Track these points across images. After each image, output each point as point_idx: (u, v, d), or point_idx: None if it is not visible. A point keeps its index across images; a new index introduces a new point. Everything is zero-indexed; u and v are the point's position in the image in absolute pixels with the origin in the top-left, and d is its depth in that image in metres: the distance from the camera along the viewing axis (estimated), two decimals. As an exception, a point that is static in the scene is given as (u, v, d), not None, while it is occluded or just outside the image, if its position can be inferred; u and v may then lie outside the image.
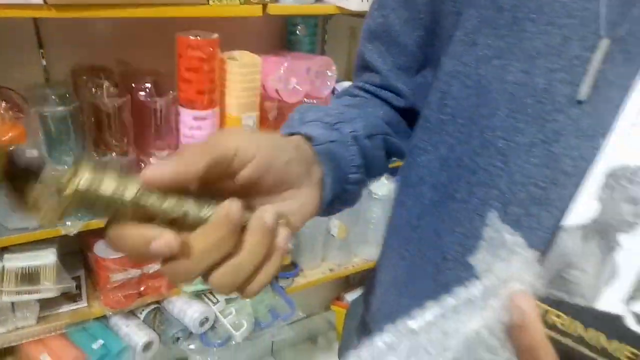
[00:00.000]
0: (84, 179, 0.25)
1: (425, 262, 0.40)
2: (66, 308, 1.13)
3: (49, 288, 1.03)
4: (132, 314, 1.23)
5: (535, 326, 0.24)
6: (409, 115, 0.48)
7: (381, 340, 0.25)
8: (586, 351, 0.24)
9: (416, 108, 0.46)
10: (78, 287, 1.15)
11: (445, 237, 0.29)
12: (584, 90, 0.31)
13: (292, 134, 0.37)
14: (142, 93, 1.05)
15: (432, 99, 0.41)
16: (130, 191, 0.26)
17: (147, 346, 1.20)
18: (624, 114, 0.24)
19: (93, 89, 0.97)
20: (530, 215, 0.33)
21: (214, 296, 1.30)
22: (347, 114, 0.42)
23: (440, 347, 0.24)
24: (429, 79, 0.44)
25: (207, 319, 1.25)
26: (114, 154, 0.98)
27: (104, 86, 0.97)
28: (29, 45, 1.01)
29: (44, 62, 1.03)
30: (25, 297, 1.02)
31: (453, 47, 0.39)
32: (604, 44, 0.30)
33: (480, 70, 0.36)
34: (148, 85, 1.05)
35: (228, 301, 1.30)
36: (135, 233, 0.27)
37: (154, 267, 1.15)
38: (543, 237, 0.31)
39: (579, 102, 0.32)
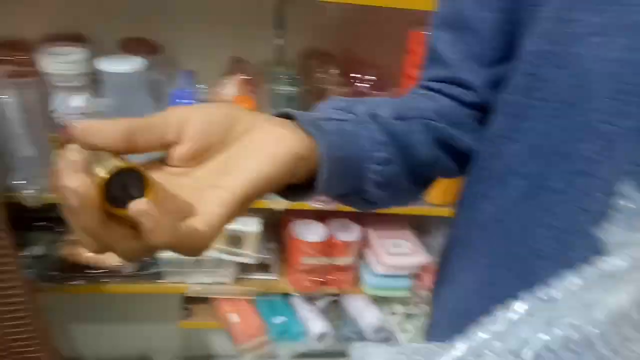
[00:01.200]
0: None
1: (512, 259, 0.37)
2: (258, 276, 1.18)
3: (249, 254, 1.09)
4: (312, 299, 1.24)
5: None
6: (480, 112, 0.44)
7: (515, 307, 0.24)
8: None
9: (488, 103, 0.42)
10: (271, 259, 1.20)
11: (537, 232, 0.29)
12: None
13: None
14: (364, 85, 1.01)
15: (517, 82, 0.38)
16: None
17: (321, 336, 1.18)
18: None
19: (320, 75, 0.96)
20: None
21: (392, 306, 1.22)
22: (371, 101, 0.41)
23: (583, 318, 0.23)
24: (507, 71, 0.40)
25: (382, 329, 1.17)
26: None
27: (332, 74, 0.95)
28: (271, 23, 1.05)
29: (280, 41, 1.07)
30: (229, 257, 1.10)
31: (540, 26, 0.35)
32: None
33: (575, 49, 0.33)
34: (371, 77, 1.01)
35: (408, 316, 1.20)
36: None
37: (343, 259, 1.12)
38: None
39: None
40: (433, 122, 0.42)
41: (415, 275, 1.16)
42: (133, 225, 0.25)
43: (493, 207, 0.39)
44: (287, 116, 0.34)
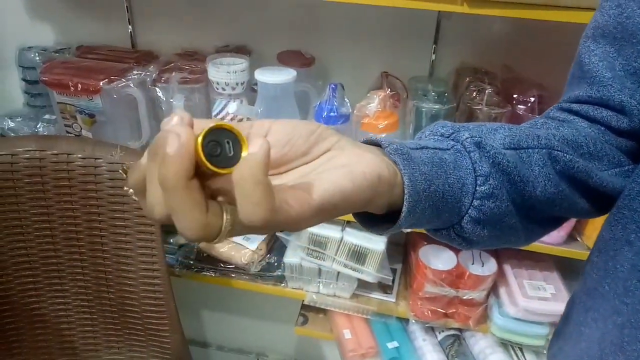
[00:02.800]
0: None
1: None
2: (376, 295, 1.15)
3: (369, 273, 1.06)
4: (431, 330, 1.17)
5: None
6: (633, 141, 0.37)
7: None
8: None
9: None
10: (392, 280, 1.16)
11: None
12: None
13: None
14: (522, 107, 0.92)
15: None
16: None
17: (435, 370, 1.11)
18: None
19: (474, 93, 0.90)
20: None
21: (523, 353, 1.10)
22: (481, 127, 0.36)
23: None
24: None
25: (508, 377, 1.06)
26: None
27: (486, 92, 0.88)
28: (425, 39, 1.02)
29: (433, 57, 1.03)
30: (349, 272, 1.08)
31: None
32: None
33: None
34: (532, 98, 0.92)
35: (539, 369, 1.07)
36: None
37: (472, 293, 1.04)
38: None
39: None
40: (557, 152, 0.35)
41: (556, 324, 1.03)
42: (214, 194, 0.24)
43: (636, 257, 0.33)
44: (377, 144, 0.32)
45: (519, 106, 0.91)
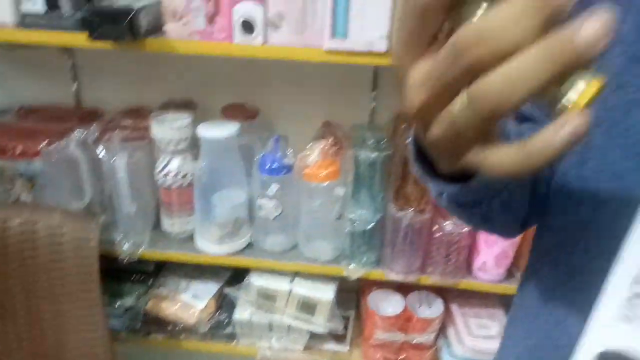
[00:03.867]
0: None
1: (547, 349, 0.34)
2: (330, 346, 1.14)
3: (320, 324, 1.06)
4: (386, 377, 1.16)
5: None
6: None
7: None
8: None
9: None
10: (345, 327, 1.15)
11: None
12: None
13: None
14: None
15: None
16: None
17: (393, 419, 1.09)
18: None
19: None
20: None
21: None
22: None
23: None
24: None
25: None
26: (411, 209, 0.94)
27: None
28: (365, 88, 1.08)
29: (373, 104, 1.09)
30: (300, 324, 1.07)
31: None
32: None
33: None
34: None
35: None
36: None
37: (421, 336, 1.05)
38: None
39: None
40: None
41: (503, 361, 1.05)
42: None
43: (539, 283, 0.35)
44: None
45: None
